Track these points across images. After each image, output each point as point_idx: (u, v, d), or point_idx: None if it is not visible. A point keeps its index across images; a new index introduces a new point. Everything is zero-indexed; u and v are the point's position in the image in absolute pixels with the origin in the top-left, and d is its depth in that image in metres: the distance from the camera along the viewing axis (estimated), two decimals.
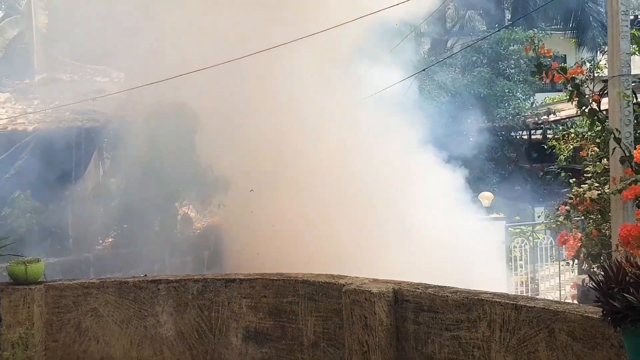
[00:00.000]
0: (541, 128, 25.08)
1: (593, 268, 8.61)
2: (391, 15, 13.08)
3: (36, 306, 6.95)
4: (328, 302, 6.39)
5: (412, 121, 15.76)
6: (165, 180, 13.63)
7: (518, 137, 26.39)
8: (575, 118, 19.75)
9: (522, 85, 25.07)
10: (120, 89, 15.30)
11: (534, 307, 5.04)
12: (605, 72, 9.40)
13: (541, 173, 22.06)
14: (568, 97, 8.52)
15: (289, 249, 13.08)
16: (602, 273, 3.89)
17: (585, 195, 8.46)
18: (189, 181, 13.91)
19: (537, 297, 8.95)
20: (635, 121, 8.95)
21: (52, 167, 13.17)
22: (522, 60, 24.61)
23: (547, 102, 26.89)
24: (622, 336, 3.79)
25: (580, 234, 9.01)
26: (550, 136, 21.73)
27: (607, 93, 8.65)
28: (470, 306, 5.40)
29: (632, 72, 10.65)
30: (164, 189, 13.62)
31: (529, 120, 24.73)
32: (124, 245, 12.93)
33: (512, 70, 25.01)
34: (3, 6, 18.46)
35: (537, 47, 8.31)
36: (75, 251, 12.38)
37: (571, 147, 14.61)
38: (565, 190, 13.89)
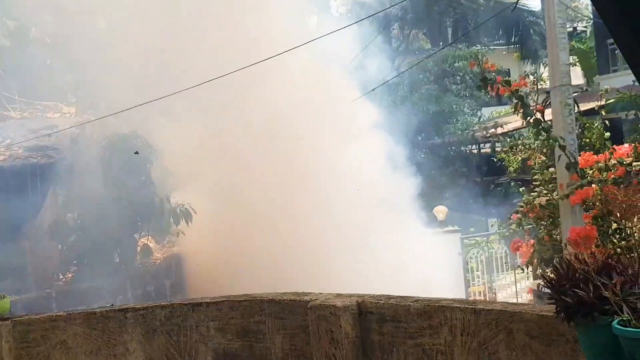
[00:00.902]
0: (489, 141, 25.65)
1: (547, 272, 8.89)
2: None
3: (4, 342, 6.97)
4: (294, 319, 6.56)
5: (367, 138, 16.07)
6: (122, 213, 13.67)
7: (468, 151, 26.92)
8: (522, 130, 20.25)
9: (469, 100, 25.67)
10: (72, 124, 15.35)
11: (492, 309, 5.27)
12: (548, 83, 9.79)
13: (492, 185, 22.56)
14: (513, 109, 8.89)
15: (252, 271, 13.25)
16: (554, 272, 4.14)
17: (534, 202, 8.78)
18: (147, 212, 13.95)
19: (494, 301, 9.21)
20: (579, 130, 9.33)
21: (8, 205, 13.13)
22: (467, 76, 25.18)
23: (494, 115, 27.51)
24: (575, 330, 4.02)
25: (532, 241, 9.32)
26: (498, 149, 22.26)
27: (550, 103, 9.02)
28: (431, 313, 5.62)
29: (573, 83, 11.09)
30: (121, 221, 13.65)
31: (478, 134, 25.29)
32: (85, 280, 12.91)
33: (459, 86, 25.59)
34: None
35: (481, 62, 8.66)
36: (36, 288, 12.34)
37: (519, 158, 15.02)
38: (516, 200, 14.27)
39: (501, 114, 26.86)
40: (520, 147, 14.15)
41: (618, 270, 3.80)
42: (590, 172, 8.13)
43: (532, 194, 9.52)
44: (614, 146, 8.59)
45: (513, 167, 15.77)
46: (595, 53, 29.78)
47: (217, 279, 13.55)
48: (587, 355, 3.89)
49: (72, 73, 17.07)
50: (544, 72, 26.78)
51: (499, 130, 23.92)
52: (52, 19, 17.05)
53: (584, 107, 11.75)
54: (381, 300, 6.08)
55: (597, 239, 6.50)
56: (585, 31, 35.18)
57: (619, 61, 25.78)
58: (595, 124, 9.64)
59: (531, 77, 11.05)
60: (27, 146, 13.76)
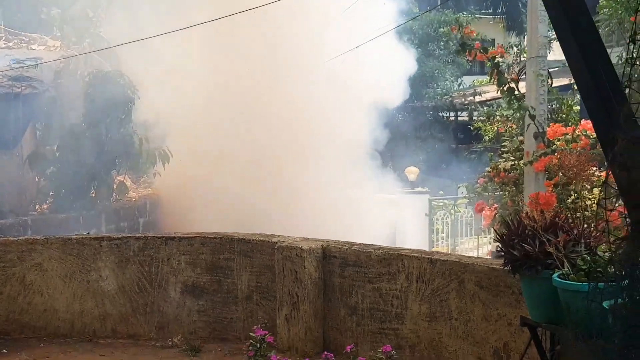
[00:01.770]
0: (467, 109, 25.94)
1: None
2: None
3: None
4: (262, 259, 6.92)
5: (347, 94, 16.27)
6: (101, 149, 13.84)
7: (445, 117, 27.21)
8: (500, 100, 20.53)
9: (450, 66, 25.89)
10: (57, 57, 15.42)
11: (447, 260, 5.67)
12: None
13: (466, 153, 22.89)
14: (489, 77, 9.18)
15: (225, 214, 13.58)
16: (505, 227, 4.47)
17: (500, 167, 9.12)
18: (125, 151, 14.12)
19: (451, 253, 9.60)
20: (557, 105, 9.63)
21: None
22: (451, 42, 25.32)
23: (476, 84, 27.75)
24: (520, 281, 4.37)
25: (496, 205, 9.68)
26: (476, 118, 22.55)
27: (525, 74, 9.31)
28: (390, 260, 6.00)
29: (557, 58, 11.34)
30: (100, 158, 13.82)
31: (456, 101, 25.57)
32: (60, 211, 13.11)
33: (442, 52, 25.78)
34: None
35: (461, 27, 8.92)
36: (12, 215, 12.54)
37: (495, 128, 15.32)
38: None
39: (482, 83, 27.07)
40: (497, 117, 14.40)
41: (564, 230, 4.14)
42: (557, 142, 8.44)
43: (499, 159, 9.86)
44: (582, 120, 8.91)
45: (489, 136, 16.03)
46: None
47: (190, 221, 13.87)
48: (529, 305, 4.25)
49: (59, 7, 17.07)
50: None
51: (477, 99, 24.22)
52: None
53: (562, 82, 12.02)
54: (345, 246, 6.46)
55: (557, 206, 6.86)
56: None
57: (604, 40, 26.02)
58: (571, 99, 9.91)
59: (515, 49, 11.25)
60: (11, 75, 13.82)
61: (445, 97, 25.30)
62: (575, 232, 4.13)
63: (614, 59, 3.58)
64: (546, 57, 9.19)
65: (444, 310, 5.58)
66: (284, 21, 14.91)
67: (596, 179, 7.07)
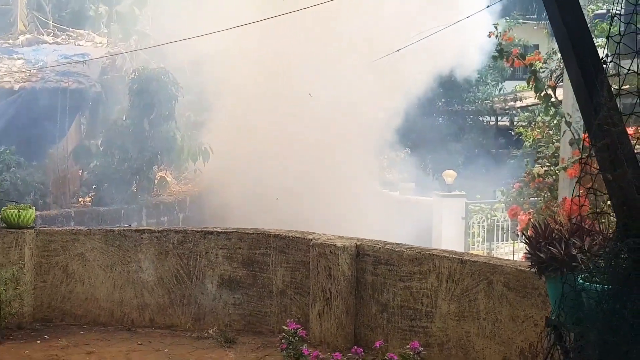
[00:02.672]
0: (507, 114, 25.85)
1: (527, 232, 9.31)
2: None
3: (27, 248, 7.53)
4: (297, 255, 7.09)
5: (387, 99, 16.39)
6: (144, 145, 14.14)
7: (485, 122, 27.15)
8: (540, 105, 20.43)
9: (492, 72, 25.81)
10: (103, 54, 15.81)
11: (477, 261, 5.78)
12: None
13: (506, 157, 22.82)
14: (527, 83, 9.23)
15: (265, 213, 13.78)
16: (533, 231, 4.58)
17: (534, 172, 9.17)
18: (167, 147, 14.41)
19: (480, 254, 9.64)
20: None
21: (37, 125, 13.65)
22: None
23: (518, 89, 27.62)
24: (545, 283, 4.46)
25: (532, 210, 9.72)
26: (516, 123, 22.47)
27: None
28: (422, 260, 6.13)
29: None
30: (142, 153, 14.13)
31: (497, 106, 25.49)
32: (103, 204, 13.45)
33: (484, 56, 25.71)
34: None
35: (499, 33, 8.98)
36: (56, 207, 12.88)
37: (536, 133, 15.29)
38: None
39: (524, 88, 26.94)
40: (539, 122, 14.36)
41: (590, 234, 4.24)
42: None
43: (535, 165, 9.91)
44: None
45: (529, 141, 15.98)
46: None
47: (228, 216, 14.11)
48: (553, 306, 4.33)
49: (107, 4, 17.48)
50: None
51: (518, 104, 24.13)
52: None
53: None
54: (378, 244, 6.60)
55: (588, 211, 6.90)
56: (619, 14, 34.90)
57: None
58: None
59: (558, 55, 11.22)
60: (59, 70, 14.20)
61: (486, 101, 25.26)
62: (600, 236, 4.22)
63: None
64: None
65: (473, 310, 5.69)
66: (327, 22, 15.06)
67: None
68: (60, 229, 8.01)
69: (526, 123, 16.52)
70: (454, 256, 5.97)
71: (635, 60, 3.06)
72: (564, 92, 9.11)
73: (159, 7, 16.77)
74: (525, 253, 4.70)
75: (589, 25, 4.37)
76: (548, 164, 9.38)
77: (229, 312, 7.40)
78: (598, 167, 3.28)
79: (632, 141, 3.23)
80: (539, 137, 10.77)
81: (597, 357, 3.44)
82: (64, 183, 13.90)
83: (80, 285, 7.66)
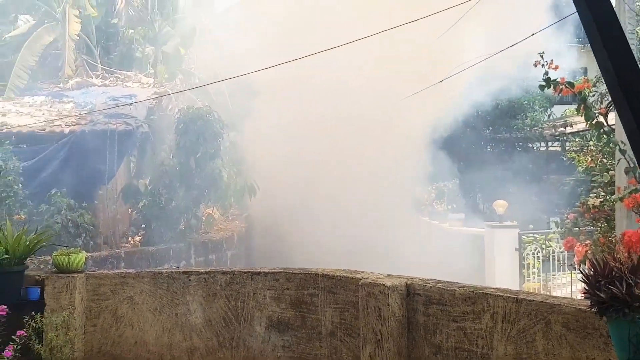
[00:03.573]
0: (557, 140, 25.45)
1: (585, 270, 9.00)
2: None
3: (77, 293, 7.54)
4: (345, 295, 6.93)
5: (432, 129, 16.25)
6: (191, 183, 14.22)
7: (535, 148, 26.77)
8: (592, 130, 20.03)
9: (539, 97, 25.49)
10: (150, 94, 15.97)
11: (533, 300, 5.55)
12: None
13: (558, 184, 22.40)
14: (577, 110, 9.00)
15: (312, 250, 13.67)
16: (591, 269, 4.38)
17: (589, 203, 8.91)
18: (214, 184, 14.47)
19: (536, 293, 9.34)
20: None
21: (86, 167, 13.81)
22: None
23: (567, 114, 27.21)
24: (607, 324, 4.26)
25: (589, 241, 9.42)
26: (568, 148, 22.07)
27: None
28: (475, 299, 5.92)
29: None
30: (189, 191, 14.19)
31: (546, 132, 25.12)
32: (152, 243, 13.50)
33: (530, 82, 25.41)
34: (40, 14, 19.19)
35: (545, 62, 8.76)
36: (106, 247, 12.97)
37: (589, 159, 14.95)
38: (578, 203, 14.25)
39: (573, 112, 26.53)
40: (591, 147, 14.05)
41: None
42: None
43: (590, 195, 9.63)
44: None
45: (582, 167, 15.63)
46: None
47: (276, 254, 14.05)
48: (616, 348, 4.13)
49: (153, 45, 17.71)
50: None
51: (568, 130, 23.74)
52: None
53: None
54: (429, 283, 6.41)
55: None
56: None
57: None
58: None
59: None
60: (107, 113, 14.39)
61: (535, 128, 24.92)
62: None
63: None
64: None
65: (531, 352, 5.47)
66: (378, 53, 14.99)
67: None
68: (109, 272, 8.00)
69: (578, 148, 16.15)
70: (508, 295, 5.76)
71: None
72: (616, 119, 8.86)
73: (203, 46, 16.95)
74: (584, 291, 4.51)
75: None
76: (603, 194, 9.09)
77: (278, 355, 7.27)
78: None
79: None
80: (592, 165, 10.47)
81: None
82: (114, 223, 14.03)
83: (129, 329, 7.62)
